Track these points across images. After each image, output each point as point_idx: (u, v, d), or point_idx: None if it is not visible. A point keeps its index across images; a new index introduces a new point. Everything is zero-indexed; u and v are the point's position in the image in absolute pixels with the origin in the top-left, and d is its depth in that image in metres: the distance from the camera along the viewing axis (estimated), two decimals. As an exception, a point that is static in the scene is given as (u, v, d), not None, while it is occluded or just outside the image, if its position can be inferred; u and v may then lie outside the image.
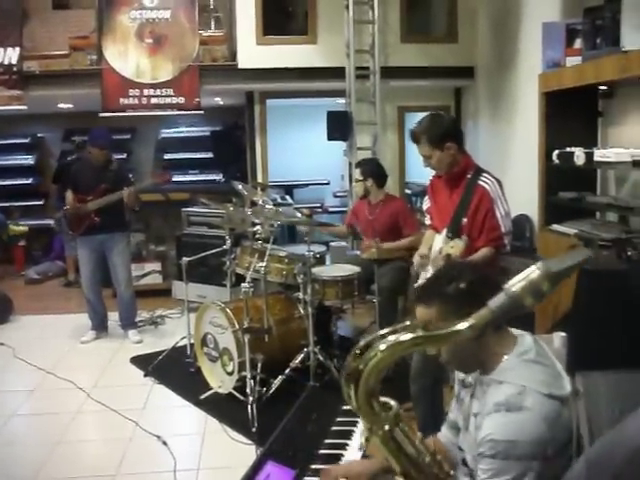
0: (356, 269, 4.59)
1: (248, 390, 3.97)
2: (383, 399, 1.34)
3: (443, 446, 1.99)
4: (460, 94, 7.66)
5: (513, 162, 6.09)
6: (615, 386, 2.06)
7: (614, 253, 3.35)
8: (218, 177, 9.08)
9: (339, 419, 2.53)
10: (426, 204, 3.62)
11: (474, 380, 1.82)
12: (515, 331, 1.80)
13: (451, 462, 1.88)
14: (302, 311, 4.47)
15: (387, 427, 1.33)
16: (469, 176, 3.25)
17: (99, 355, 5.31)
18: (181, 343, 5.03)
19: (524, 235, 5.48)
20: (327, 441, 2.36)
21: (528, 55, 5.67)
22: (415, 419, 3.16)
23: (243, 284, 4.17)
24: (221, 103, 8.66)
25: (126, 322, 5.73)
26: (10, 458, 3.64)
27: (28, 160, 9.18)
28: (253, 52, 7.03)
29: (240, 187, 5.04)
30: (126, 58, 6.93)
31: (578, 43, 4.37)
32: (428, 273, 3.31)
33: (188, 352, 4.91)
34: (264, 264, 4.26)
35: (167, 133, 9.40)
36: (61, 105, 8.23)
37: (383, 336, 1.27)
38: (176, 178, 8.72)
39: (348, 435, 2.39)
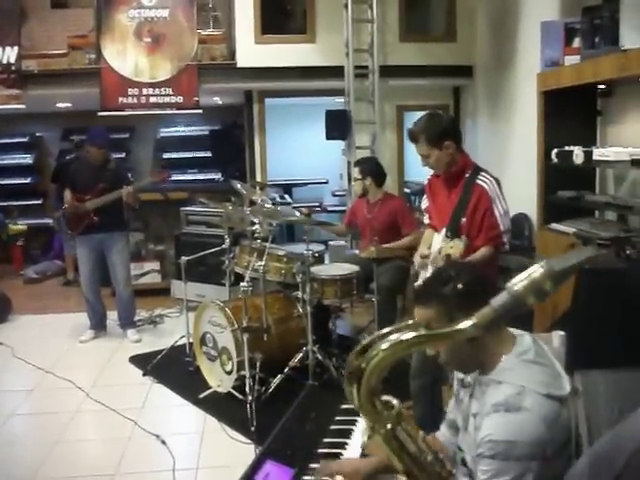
0: (355, 268, 4.59)
1: (247, 389, 3.97)
2: (385, 398, 1.34)
3: (442, 445, 1.99)
4: (459, 93, 7.66)
5: (512, 161, 6.09)
6: (614, 385, 2.06)
7: (613, 252, 3.35)
8: (217, 176, 9.08)
9: (338, 418, 2.53)
10: (424, 203, 3.62)
11: (473, 380, 1.82)
12: (514, 331, 1.80)
13: (451, 461, 1.88)
14: (301, 310, 4.47)
15: (389, 426, 1.33)
16: (467, 175, 3.25)
17: (98, 354, 5.31)
18: (180, 342, 5.03)
19: (523, 234, 5.49)
20: (326, 440, 2.36)
21: (527, 54, 5.68)
22: (414, 418, 3.17)
23: (242, 283, 4.16)
24: (220, 102, 8.66)
25: (125, 321, 5.73)
26: (9, 458, 3.64)
27: (27, 159, 9.18)
28: (252, 51, 7.03)
29: (239, 186, 5.04)
30: (125, 57, 6.93)
31: (577, 42, 4.37)
32: (428, 273, 3.32)
33: (187, 351, 4.91)
34: (263, 263, 4.26)
35: (166, 132, 9.40)
36: (60, 104, 8.22)
37: (385, 335, 1.26)
38: (175, 177, 8.72)
39: (347, 434, 2.39)
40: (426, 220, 3.57)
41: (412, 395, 3.23)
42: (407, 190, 8.29)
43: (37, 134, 9.34)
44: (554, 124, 4.57)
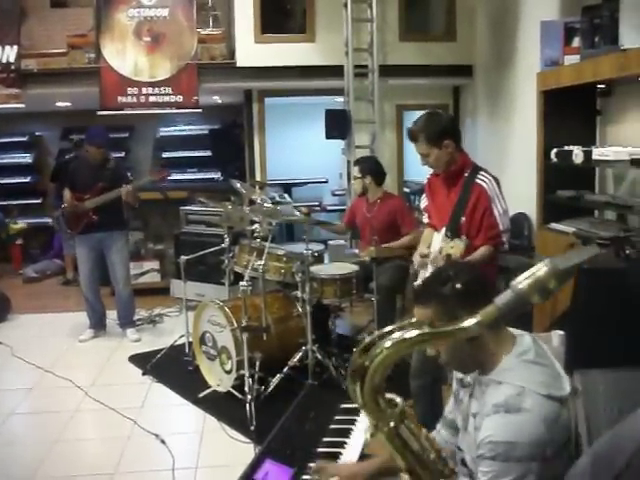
0: (354, 267, 4.59)
1: (246, 388, 3.97)
2: (389, 396, 1.34)
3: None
4: (458, 92, 7.67)
5: (511, 160, 6.09)
6: (613, 384, 2.06)
7: (612, 251, 3.35)
8: (217, 175, 9.07)
9: (337, 417, 2.53)
10: (423, 202, 3.62)
11: (473, 380, 1.82)
12: (514, 331, 1.80)
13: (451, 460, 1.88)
14: (300, 309, 4.46)
15: (392, 424, 1.33)
16: (466, 174, 3.25)
17: (97, 354, 5.30)
18: (179, 342, 5.03)
19: (522, 233, 5.49)
20: (325, 439, 2.36)
21: (526, 53, 5.68)
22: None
23: (241, 282, 4.16)
24: (219, 101, 8.65)
25: (124, 320, 5.73)
26: (9, 457, 3.64)
27: (26, 158, 9.18)
28: (251, 50, 7.03)
29: (238, 185, 5.04)
30: (124, 56, 6.93)
31: (576, 42, 4.37)
32: (427, 272, 3.32)
33: (186, 351, 4.91)
34: (262, 262, 4.26)
35: (165, 131, 9.40)
36: (59, 103, 8.22)
37: (388, 333, 1.26)
38: (174, 177, 8.72)
39: (346, 433, 2.39)
40: (425, 219, 3.58)
41: (412, 395, 3.23)
42: (407, 189, 8.29)
43: (37, 133, 9.33)
44: (554, 123, 4.57)
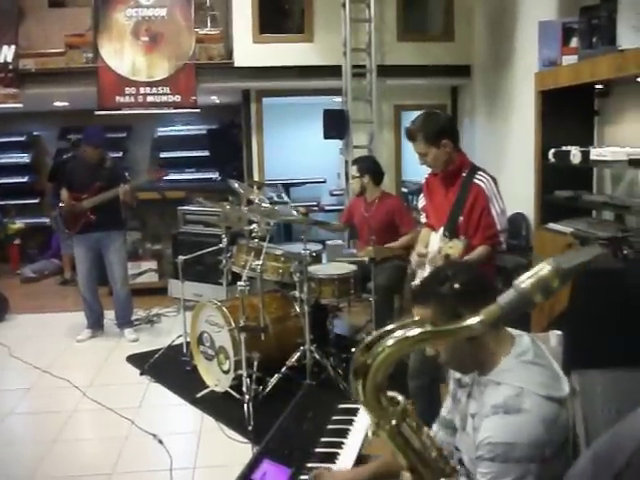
0: (352, 267, 4.59)
1: (244, 389, 3.97)
2: (391, 394, 1.34)
3: None
4: (456, 92, 7.67)
5: (509, 160, 6.10)
6: (612, 384, 2.06)
7: (610, 252, 3.35)
8: (214, 175, 9.07)
9: (335, 417, 2.53)
10: (421, 202, 3.62)
11: (471, 380, 1.82)
12: (513, 331, 1.79)
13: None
14: (298, 309, 4.46)
15: (394, 422, 1.33)
16: (464, 174, 3.26)
17: (95, 354, 5.30)
18: (177, 342, 5.03)
19: (520, 234, 5.49)
20: (323, 439, 2.36)
21: (524, 54, 5.68)
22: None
23: (239, 282, 4.16)
24: (217, 101, 8.65)
25: (122, 320, 5.72)
26: (7, 457, 3.63)
27: (24, 158, 9.16)
28: (249, 50, 7.02)
29: (236, 185, 5.03)
30: (122, 56, 6.92)
31: (574, 42, 4.37)
32: (425, 272, 3.32)
33: (184, 351, 4.90)
34: (260, 262, 4.26)
35: (163, 131, 9.38)
36: (57, 103, 8.21)
37: (390, 331, 1.26)
38: (172, 177, 8.72)
39: (344, 433, 2.39)
40: (423, 219, 3.58)
41: (410, 395, 3.23)
42: (404, 189, 8.29)
43: (34, 133, 9.32)
44: (551, 124, 4.57)
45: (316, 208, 9.07)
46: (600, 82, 4.26)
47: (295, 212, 5.03)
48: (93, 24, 6.98)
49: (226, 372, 4.24)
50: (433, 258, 3.23)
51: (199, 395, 4.26)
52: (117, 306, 5.71)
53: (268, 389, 4.10)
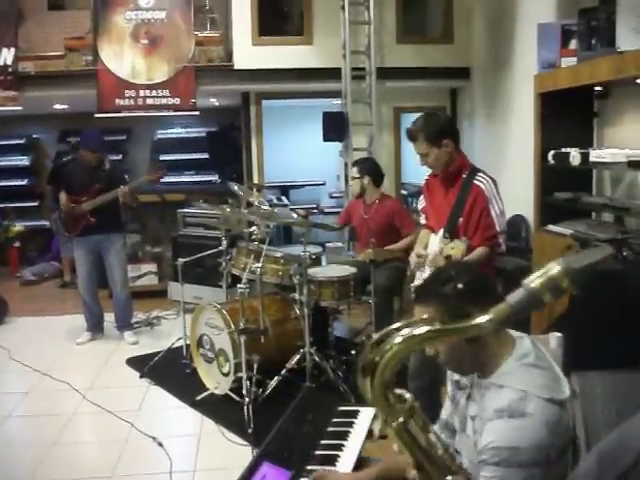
0: (352, 270, 4.58)
1: (244, 391, 3.97)
2: (398, 391, 1.34)
3: None
4: (456, 95, 7.68)
5: (509, 162, 6.10)
6: (611, 386, 2.06)
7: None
8: (214, 178, 9.05)
9: (335, 420, 2.52)
10: (421, 203, 3.62)
11: (470, 382, 1.81)
12: (514, 333, 1.79)
13: None
14: (298, 312, 4.46)
15: (402, 419, 1.33)
16: (464, 175, 3.26)
17: (95, 356, 5.30)
18: (177, 344, 5.02)
19: (520, 235, 5.49)
20: (323, 442, 2.35)
21: (523, 56, 5.69)
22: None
23: (239, 285, 4.16)
24: (217, 104, 8.65)
25: (122, 323, 5.72)
26: (6, 459, 3.63)
27: (23, 161, 9.15)
28: (249, 53, 7.03)
29: (236, 188, 5.03)
30: (122, 59, 6.93)
31: (573, 44, 4.38)
32: (425, 273, 3.32)
33: (184, 353, 4.90)
34: (260, 265, 4.25)
35: (163, 134, 9.38)
36: (56, 106, 8.21)
37: (399, 329, 1.26)
38: (172, 179, 8.73)
39: (344, 436, 2.39)
40: (422, 220, 3.58)
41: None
42: (404, 192, 8.29)
43: (34, 136, 9.31)
44: (551, 126, 4.57)
45: (315, 210, 9.07)
46: (599, 84, 4.27)
47: (295, 214, 5.03)
48: (93, 27, 6.99)
49: (226, 375, 4.23)
50: (434, 259, 3.22)
51: (199, 398, 4.25)
52: (117, 309, 5.70)
53: (268, 392, 4.09)
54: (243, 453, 3.52)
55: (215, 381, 4.33)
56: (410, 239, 4.73)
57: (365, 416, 2.53)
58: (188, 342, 4.76)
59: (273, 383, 4.13)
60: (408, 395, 1.37)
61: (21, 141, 9.20)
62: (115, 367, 5.06)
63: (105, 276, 5.67)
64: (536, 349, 1.74)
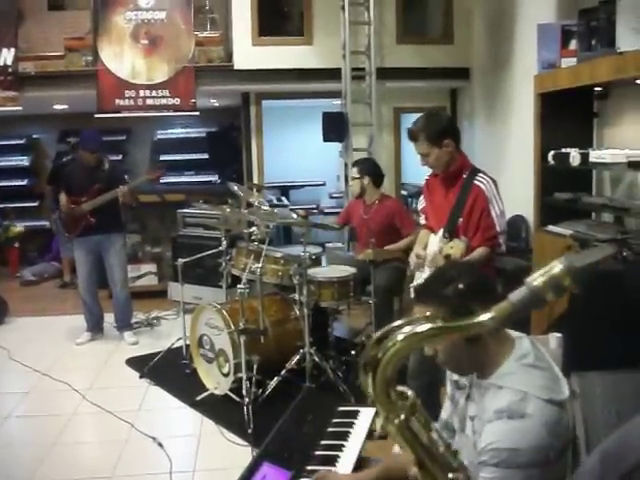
0: (352, 270, 4.58)
1: (244, 391, 3.97)
2: (400, 388, 1.34)
3: None
4: (456, 95, 7.68)
5: (509, 163, 6.10)
6: (611, 386, 2.06)
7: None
8: (214, 178, 9.06)
9: (335, 420, 2.52)
10: (421, 204, 3.62)
11: (469, 382, 1.81)
12: (513, 333, 1.78)
13: None
14: (298, 312, 4.46)
15: (403, 416, 1.33)
16: (465, 176, 3.26)
17: (94, 357, 5.30)
18: (177, 344, 5.02)
19: (520, 236, 5.49)
20: (323, 442, 2.35)
21: (523, 56, 5.69)
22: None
23: (239, 285, 4.16)
24: (217, 104, 8.65)
25: (122, 323, 5.72)
26: (6, 460, 3.63)
27: (23, 161, 9.15)
28: (249, 53, 7.03)
29: (236, 188, 5.03)
30: (121, 59, 6.93)
31: (573, 44, 4.38)
32: (424, 274, 3.32)
33: (184, 353, 4.90)
34: (260, 265, 4.25)
35: (163, 134, 9.38)
36: (56, 106, 8.22)
37: (401, 326, 1.26)
38: (172, 179, 8.74)
39: (344, 436, 2.39)
40: (422, 221, 3.58)
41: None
42: (404, 192, 8.29)
43: (34, 136, 9.32)
44: (551, 126, 4.57)
45: (315, 211, 9.07)
46: (599, 84, 4.27)
47: (294, 215, 5.03)
48: (93, 27, 6.99)
49: (226, 375, 4.23)
50: (434, 258, 3.23)
51: (199, 398, 4.25)
52: (117, 309, 5.70)
53: (268, 392, 4.09)
54: (243, 453, 3.51)
55: (215, 381, 4.33)
56: (410, 239, 4.72)
57: (365, 416, 2.53)
58: (188, 342, 4.76)
59: (273, 383, 4.13)
60: (410, 392, 1.37)
61: (21, 141, 9.20)
62: (115, 367, 5.06)
63: (105, 276, 5.67)
64: (535, 349, 1.74)
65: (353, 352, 4.65)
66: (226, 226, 4.91)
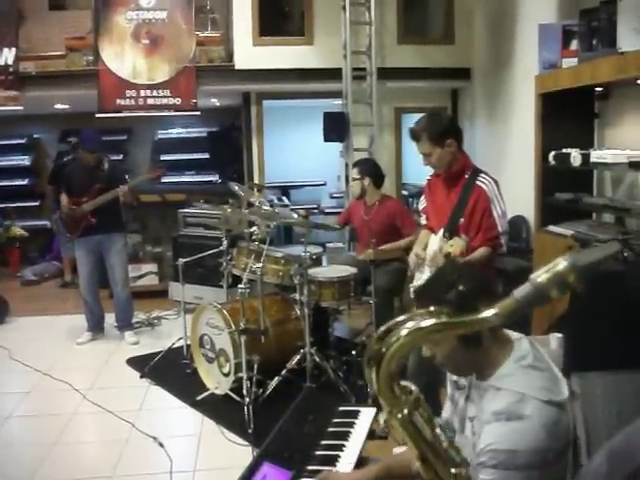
0: (352, 270, 4.58)
1: (244, 391, 3.97)
2: (403, 383, 1.34)
3: None
4: (457, 95, 7.68)
5: (510, 163, 6.10)
6: (612, 387, 2.06)
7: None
8: (215, 178, 9.06)
9: (335, 420, 2.52)
10: (422, 204, 3.62)
11: (468, 382, 1.81)
12: (512, 334, 1.78)
13: None
14: (298, 312, 4.46)
15: (406, 411, 1.33)
16: (467, 176, 3.26)
17: (95, 356, 5.30)
18: (177, 344, 5.02)
19: (520, 236, 5.49)
20: (323, 442, 2.35)
21: (524, 56, 5.69)
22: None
23: (239, 285, 4.16)
24: (218, 104, 8.66)
25: (122, 323, 5.72)
26: (7, 459, 3.63)
27: (24, 161, 9.16)
28: (250, 53, 7.03)
29: (237, 188, 5.03)
30: (122, 59, 6.93)
31: (574, 44, 4.38)
32: (423, 274, 3.32)
33: (184, 353, 4.90)
34: (260, 265, 4.25)
35: (163, 134, 9.39)
36: (57, 106, 8.22)
37: (405, 321, 1.26)
38: (172, 179, 8.75)
39: (344, 436, 2.38)
40: (423, 221, 3.58)
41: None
42: (405, 192, 8.29)
43: (35, 136, 9.32)
44: (552, 126, 4.57)
45: (316, 211, 9.07)
46: (600, 85, 4.27)
47: (295, 215, 5.03)
48: (93, 27, 6.99)
49: (226, 375, 4.23)
50: (434, 257, 3.23)
51: (199, 398, 4.25)
52: (117, 309, 5.70)
53: (268, 392, 4.09)
54: (243, 453, 3.52)
55: (215, 381, 4.34)
56: (410, 239, 4.72)
57: (366, 416, 2.53)
58: (189, 342, 4.76)
59: (273, 383, 4.13)
60: (414, 387, 1.38)
61: (22, 141, 9.21)
62: (116, 367, 5.07)
63: (106, 276, 5.67)
64: (534, 350, 1.74)
65: (354, 352, 4.65)
66: (227, 226, 4.91)
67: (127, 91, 6.93)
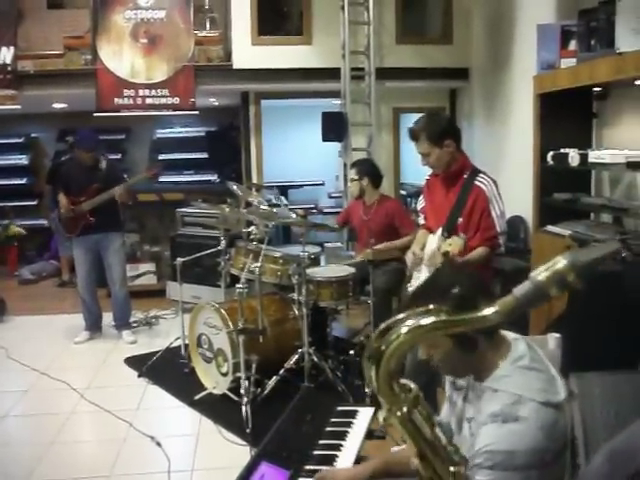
0: (351, 270, 4.58)
1: (242, 391, 3.97)
2: (403, 381, 1.34)
3: None
4: (455, 95, 7.68)
5: (508, 163, 6.10)
6: (610, 387, 2.06)
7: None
8: (213, 178, 9.07)
9: (333, 420, 2.52)
10: (420, 204, 3.62)
11: (466, 383, 1.81)
12: (509, 335, 1.78)
13: None
14: (297, 312, 4.46)
15: (405, 408, 1.33)
16: (466, 176, 3.27)
17: (93, 356, 5.29)
18: (175, 344, 5.02)
19: (518, 236, 5.49)
20: (321, 442, 2.35)
21: (523, 56, 5.69)
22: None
23: (237, 285, 4.15)
24: (216, 103, 8.65)
25: (120, 322, 5.72)
26: (4, 459, 3.62)
27: (22, 160, 9.15)
28: (248, 52, 7.04)
29: (235, 188, 5.03)
30: (121, 58, 6.93)
31: (573, 45, 4.38)
32: (421, 273, 3.32)
33: (182, 353, 4.90)
34: (259, 265, 4.25)
35: (162, 133, 9.39)
36: (55, 105, 8.21)
37: (405, 319, 1.26)
38: (171, 178, 8.75)
39: (342, 436, 2.38)
40: (421, 221, 3.58)
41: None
42: (403, 192, 8.30)
43: (33, 135, 9.31)
44: (550, 126, 4.57)
45: (314, 210, 9.07)
46: (598, 85, 4.27)
47: (293, 214, 5.03)
48: (92, 26, 6.99)
49: (224, 374, 4.23)
50: (432, 256, 3.23)
51: (197, 397, 4.25)
52: (115, 308, 5.70)
53: (266, 391, 4.09)
54: (241, 453, 3.52)
55: (213, 381, 4.33)
56: (408, 238, 4.72)
57: (364, 416, 2.53)
58: (186, 342, 4.75)
59: (272, 383, 4.13)
60: (413, 385, 1.38)
61: (20, 140, 9.20)
62: (113, 366, 5.06)
63: (104, 275, 5.67)
64: (531, 351, 1.73)
65: (352, 352, 4.64)
66: (225, 225, 4.91)
67: (125, 90, 6.92)
